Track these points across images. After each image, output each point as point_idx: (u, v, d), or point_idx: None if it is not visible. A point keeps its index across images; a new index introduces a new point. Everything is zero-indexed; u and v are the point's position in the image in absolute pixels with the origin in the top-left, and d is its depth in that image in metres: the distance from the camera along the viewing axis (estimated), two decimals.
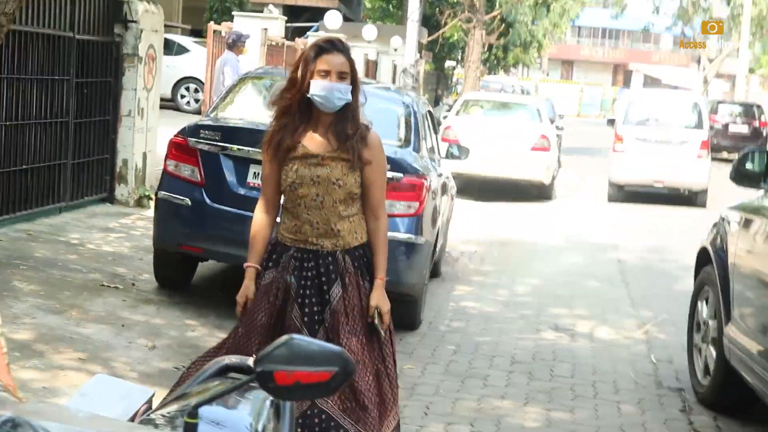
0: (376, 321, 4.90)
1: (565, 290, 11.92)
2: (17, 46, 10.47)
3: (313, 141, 4.93)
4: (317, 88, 4.83)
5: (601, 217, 19.71)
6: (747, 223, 7.28)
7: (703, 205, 21.07)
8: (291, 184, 4.91)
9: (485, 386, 7.83)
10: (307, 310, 4.87)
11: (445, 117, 24.49)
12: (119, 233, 11.31)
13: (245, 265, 5.02)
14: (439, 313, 10.13)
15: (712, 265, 7.69)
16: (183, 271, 9.33)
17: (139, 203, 12.98)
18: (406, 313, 9.08)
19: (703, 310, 7.96)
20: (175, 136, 8.77)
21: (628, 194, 22.02)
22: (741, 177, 7.60)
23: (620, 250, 15.33)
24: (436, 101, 51.64)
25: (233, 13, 25.67)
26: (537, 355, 8.89)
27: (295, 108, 4.92)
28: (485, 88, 41.85)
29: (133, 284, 9.16)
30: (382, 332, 4.93)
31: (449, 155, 11.47)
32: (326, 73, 4.83)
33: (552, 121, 24.81)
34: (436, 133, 11.43)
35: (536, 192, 21.47)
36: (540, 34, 52.45)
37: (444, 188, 10.63)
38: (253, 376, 2.43)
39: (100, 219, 11.89)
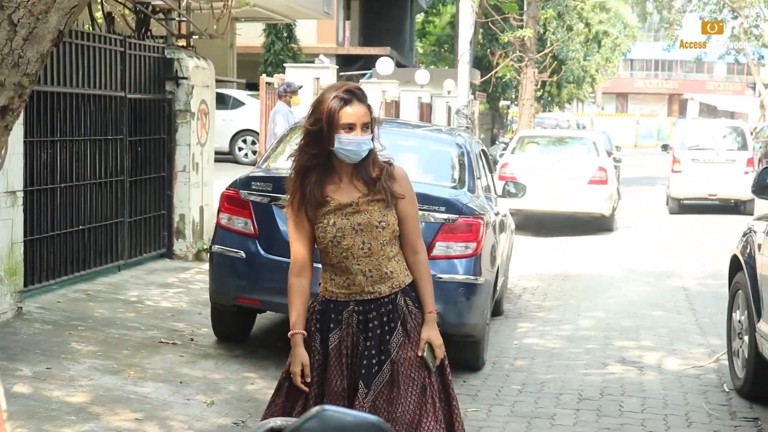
0: (426, 355, 4.76)
1: (631, 322, 11.71)
2: (69, 108, 10.51)
3: (340, 191, 4.78)
4: (344, 142, 4.68)
5: (663, 245, 19.55)
6: None
7: (751, 213, 22.81)
8: (333, 239, 4.74)
9: (553, 426, 7.65)
10: (365, 362, 4.72)
11: (501, 155, 24.46)
12: (178, 288, 11.27)
13: (291, 333, 4.80)
14: (502, 352, 9.98)
15: (743, 270, 8.51)
16: (241, 324, 9.26)
17: (198, 257, 12.96)
18: (469, 354, 8.98)
19: (739, 311, 8.73)
20: (226, 189, 8.74)
21: (685, 207, 25.64)
22: (762, 189, 8.76)
23: (684, 278, 15.15)
24: (492, 140, 51.55)
25: (285, 64, 25.80)
26: (605, 391, 8.69)
27: (318, 162, 4.78)
28: (540, 125, 41.68)
29: (192, 339, 9.10)
30: (432, 366, 4.77)
31: (506, 193, 11.36)
32: (351, 127, 4.68)
33: (609, 154, 24.92)
34: (491, 171, 11.30)
35: (597, 225, 21.35)
36: (593, 69, 52.33)
37: (502, 226, 10.50)
38: None
39: (158, 275, 11.87)
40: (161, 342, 8.83)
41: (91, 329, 8.94)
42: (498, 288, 10.28)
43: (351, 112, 4.69)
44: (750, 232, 8.60)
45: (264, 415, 5.03)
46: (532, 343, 10.52)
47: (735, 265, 8.97)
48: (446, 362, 4.91)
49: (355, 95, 4.74)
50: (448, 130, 12.03)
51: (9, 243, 8.98)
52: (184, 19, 13.84)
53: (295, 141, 9.57)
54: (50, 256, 10.25)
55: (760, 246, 8.18)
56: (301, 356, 4.74)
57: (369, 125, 4.75)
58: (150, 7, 13.24)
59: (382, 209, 4.77)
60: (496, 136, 53.09)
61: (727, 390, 8.77)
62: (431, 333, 4.78)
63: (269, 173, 8.87)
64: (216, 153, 25.93)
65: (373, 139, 4.78)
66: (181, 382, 7.76)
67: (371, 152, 4.78)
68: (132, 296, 10.59)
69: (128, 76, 11.82)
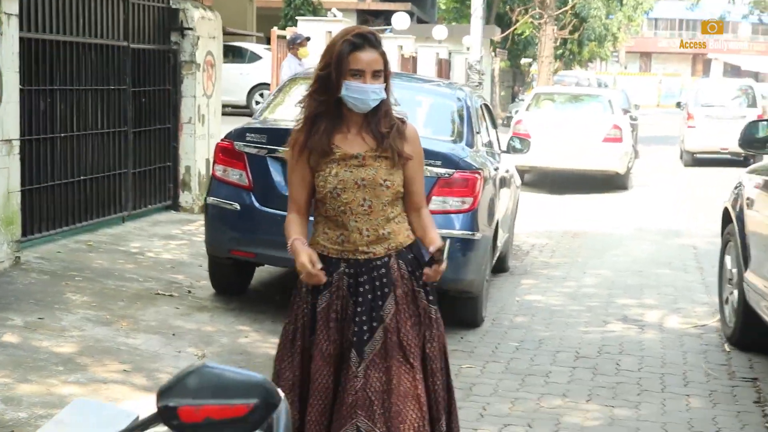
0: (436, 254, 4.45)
1: (636, 280, 11.61)
2: (70, 58, 10.42)
3: (346, 141, 4.52)
4: (352, 89, 4.41)
5: (676, 203, 19.52)
6: (758, 183, 8.37)
7: None
8: (332, 190, 4.48)
9: (546, 384, 7.56)
10: (356, 329, 4.47)
11: (516, 111, 24.36)
12: (180, 240, 11.20)
13: (291, 240, 4.44)
14: (503, 309, 9.89)
15: (732, 222, 8.80)
16: (239, 277, 9.18)
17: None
18: (467, 310, 8.89)
19: (729, 261, 9.06)
20: (221, 140, 8.64)
21: (698, 160, 27.35)
22: (748, 143, 8.84)
23: (694, 236, 15.07)
24: (512, 97, 51.39)
25: (297, 17, 25.66)
26: (603, 349, 8.59)
27: (326, 109, 4.52)
28: (560, 83, 41.42)
29: (189, 292, 9.04)
30: (444, 257, 4.46)
31: (510, 149, 11.24)
32: (360, 73, 4.41)
33: (626, 112, 24.80)
34: (495, 127, 11.16)
35: (612, 183, 21.25)
36: (615, 28, 52.02)
37: (503, 182, 10.33)
38: (155, 413, 2.08)
39: (162, 227, 11.81)
40: (158, 294, 8.77)
41: (88, 280, 8.89)
42: (499, 244, 10.16)
43: (361, 58, 4.41)
44: (740, 185, 8.83)
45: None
46: (533, 299, 10.43)
47: (727, 218, 9.26)
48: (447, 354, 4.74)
49: (368, 40, 4.45)
50: (448, 84, 11.83)
51: (5, 192, 8.91)
52: None
53: (295, 92, 9.47)
54: (51, 206, 10.19)
55: (748, 199, 8.42)
56: (308, 255, 4.39)
57: (381, 73, 4.47)
58: None
59: (389, 167, 4.52)
60: (516, 93, 52.96)
61: (727, 349, 8.68)
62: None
63: (265, 125, 8.75)
64: (233, 107, 26.05)
65: (388, 89, 4.52)
66: (173, 334, 7.69)
67: (383, 104, 4.51)
68: (133, 247, 10.53)
69: (131, 26, 11.71)
